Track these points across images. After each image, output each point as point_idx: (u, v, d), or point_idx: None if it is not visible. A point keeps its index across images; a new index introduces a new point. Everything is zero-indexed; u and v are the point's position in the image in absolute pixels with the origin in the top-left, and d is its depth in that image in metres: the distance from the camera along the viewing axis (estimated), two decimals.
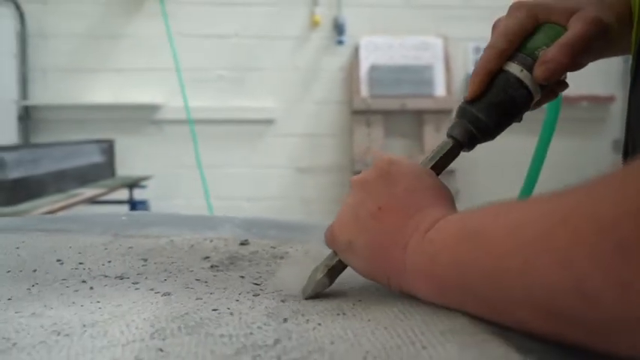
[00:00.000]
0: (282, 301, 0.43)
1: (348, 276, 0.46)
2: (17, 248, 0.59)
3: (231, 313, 0.40)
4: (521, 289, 0.28)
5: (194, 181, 3.25)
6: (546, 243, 0.26)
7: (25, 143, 1.99)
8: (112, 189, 2.21)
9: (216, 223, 0.73)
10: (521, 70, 0.48)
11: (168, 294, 0.45)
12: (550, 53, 0.47)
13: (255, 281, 0.49)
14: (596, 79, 3.43)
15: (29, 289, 0.47)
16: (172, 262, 0.55)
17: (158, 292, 0.45)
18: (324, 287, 0.44)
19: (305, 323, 0.38)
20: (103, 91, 3.27)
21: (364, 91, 3.31)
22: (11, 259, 0.55)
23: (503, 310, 0.31)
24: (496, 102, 0.48)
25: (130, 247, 0.60)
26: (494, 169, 3.35)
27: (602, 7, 0.51)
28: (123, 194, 2.52)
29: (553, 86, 0.52)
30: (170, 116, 3.28)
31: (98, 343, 0.35)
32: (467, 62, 3.45)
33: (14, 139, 3.05)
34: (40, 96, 3.23)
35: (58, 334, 0.36)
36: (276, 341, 0.34)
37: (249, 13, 3.32)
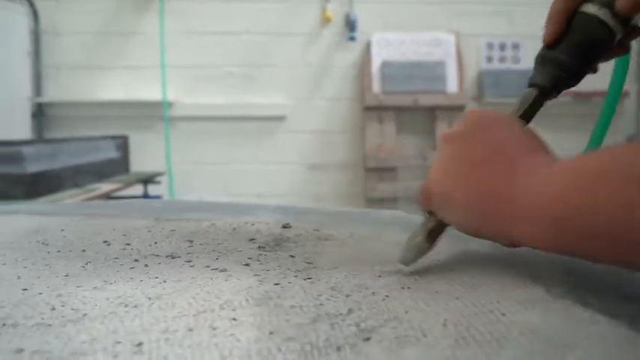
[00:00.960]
0: (346, 275, 0.43)
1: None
2: (62, 230, 0.59)
3: (294, 287, 0.40)
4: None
5: (207, 176, 3.27)
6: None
7: (43, 138, 2.00)
8: (128, 184, 2.22)
9: (252, 209, 0.73)
10: (600, 9, 0.47)
11: (225, 270, 0.45)
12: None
13: (306, 260, 0.49)
14: (609, 75, 3.40)
15: (83, 266, 0.47)
16: (218, 244, 0.55)
17: (215, 269, 0.45)
18: (426, 251, 0.43)
19: (371, 295, 0.37)
20: (114, 88, 3.28)
21: (376, 87, 3.30)
22: (58, 240, 0.55)
23: (633, 250, 0.30)
24: (579, 42, 0.47)
25: (172, 230, 0.60)
26: None
27: None
28: (137, 190, 2.53)
29: (628, 33, 0.50)
30: (181, 113, 3.29)
31: (169, 313, 0.34)
32: (479, 58, 3.44)
33: (28, 136, 3.06)
34: (53, 93, 3.24)
35: (126, 305, 0.36)
36: (350, 310, 0.34)
37: (260, 9, 3.32)
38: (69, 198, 1.76)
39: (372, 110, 3.29)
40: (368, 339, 0.29)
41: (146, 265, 0.47)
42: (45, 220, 0.62)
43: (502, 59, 3.44)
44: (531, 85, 0.49)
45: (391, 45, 3.34)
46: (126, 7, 3.27)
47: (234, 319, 0.33)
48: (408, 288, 0.39)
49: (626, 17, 0.46)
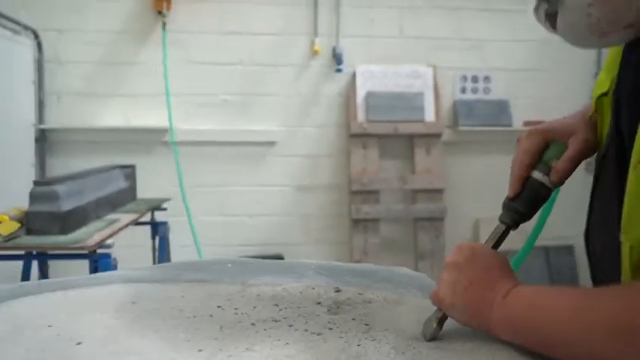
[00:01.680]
0: (396, 336, 0.68)
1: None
2: (182, 297, 0.82)
3: (370, 347, 0.65)
4: (581, 347, 0.55)
5: (204, 197, 3.48)
6: (611, 326, 0.52)
7: (67, 174, 2.19)
8: (142, 213, 2.42)
9: (301, 270, 0.97)
10: (543, 176, 0.73)
11: (320, 334, 0.70)
12: (559, 165, 0.73)
13: (364, 323, 0.74)
14: (567, 107, 3.76)
15: (220, 329, 0.71)
16: (298, 307, 0.80)
17: (313, 333, 0.70)
18: (438, 332, 0.68)
19: (418, 353, 0.63)
20: (114, 115, 3.47)
21: (361, 116, 3.58)
22: (185, 306, 0.79)
23: (558, 353, 0.57)
24: (529, 198, 0.73)
25: (258, 295, 0.85)
26: (476, 190, 3.65)
27: (588, 129, 0.77)
28: (145, 215, 2.73)
29: None
30: (179, 138, 3.49)
31: None
32: (454, 90, 3.75)
33: (32, 160, 3.23)
34: (54, 119, 3.40)
35: None
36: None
37: (254, 42, 3.56)
38: (96, 232, 1.96)
39: (357, 137, 3.56)
40: None
41: (265, 330, 0.71)
42: (160, 288, 0.86)
43: (475, 90, 3.77)
44: (501, 221, 0.75)
45: (375, 77, 3.62)
46: (126, 38, 3.47)
47: None
48: (441, 348, 0.65)
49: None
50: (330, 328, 0.72)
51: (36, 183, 1.94)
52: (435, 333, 0.68)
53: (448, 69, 3.73)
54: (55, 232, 1.86)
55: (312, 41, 3.58)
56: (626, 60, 0.66)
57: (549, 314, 0.58)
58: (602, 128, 0.73)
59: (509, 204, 0.75)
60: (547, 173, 0.73)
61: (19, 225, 1.84)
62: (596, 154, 0.76)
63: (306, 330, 0.71)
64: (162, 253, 2.61)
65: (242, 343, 0.66)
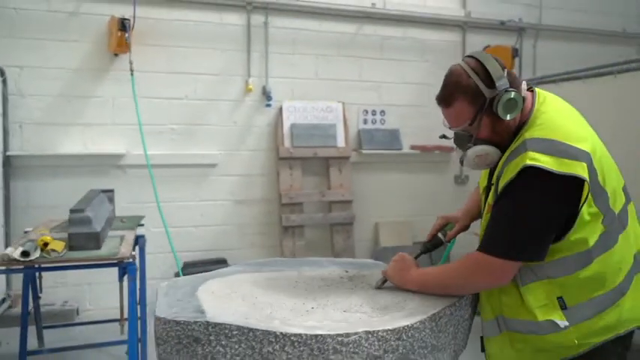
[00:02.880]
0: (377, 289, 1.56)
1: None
2: (276, 278, 1.62)
3: (384, 294, 1.51)
4: (444, 288, 1.44)
5: (153, 214, 4.07)
6: (456, 273, 1.42)
7: (82, 201, 2.73)
8: (134, 228, 3.03)
9: (321, 263, 1.81)
10: (442, 236, 1.66)
11: (352, 289, 1.54)
12: (449, 234, 1.65)
13: (368, 283, 1.60)
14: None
15: (306, 291, 1.52)
16: (332, 280, 1.63)
17: (348, 289, 1.54)
18: (380, 285, 1.53)
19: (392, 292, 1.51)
20: (73, 143, 3.95)
21: (287, 142, 4.41)
22: (281, 282, 1.59)
23: (444, 290, 1.46)
24: (435, 244, 1.66)
25: (310, 276, 1.67)
26: (375, 200, 4.67)
27: (467, 218, 1.68)
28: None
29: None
30: (132, 162, 4.06)
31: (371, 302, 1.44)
32: (358, 121, 4.73)
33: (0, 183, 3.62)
34: (18, 146, 3.80)
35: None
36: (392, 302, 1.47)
37: (198, 80, 4.23)
38: (120, 246, 2.58)
39: (285, 160, 4.39)
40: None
41: (325, 291, 1.54)
42: (279, 274, 1.64)
43: (374, 121, 4.79)
44: (420, 250, 1.65)
45: (297, 111, 4.48)
46: (83, 75, 3.95)
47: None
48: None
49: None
50: (352, 288, 1.57)
51: (72, 211, 2.51)
52: (378, 286, 1.54)
53: (353, 104, 4.70)
54: (92, 247, 2.47)
55: (247, 81, 4.33)
56: (491, 171, 1.56)
57: (430, 274, 1.46)
58: (482, 202, 1.62)
59: (425, 243, 1.66)
60: (444, 235, 1.66)
61: (64, 243, 2.42)
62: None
63: (343, 288, 1.55)
64: (142, 260, 3.21)
65: (322, 299, 1.48)
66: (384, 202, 4.83)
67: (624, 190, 1.38)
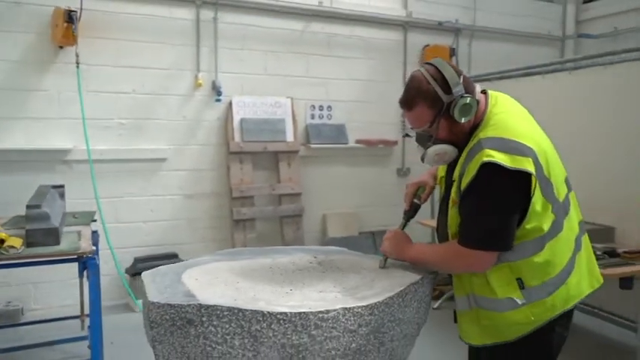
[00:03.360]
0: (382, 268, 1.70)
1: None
2: (253, 265, 1.72)
3: (350, 275, 1.65)
4: (435, 267, 1.62)
5: (103, 208, 4.03)
6: (447, 254, 1.58)
7: (35, 196, 2.68)
8: (88, 224, 3.00)
9: (290, 251, 1.93)
10: (417, 200, 1.81)
11: (324, 272, 1.67)
12: (423, 196, 1.81)
13: (337, 266, 1.74)
14: (386, 129, 5.18)
15: (281, 276, 1.64)
16: (302, 265, 1.76)
17: (320, 272, 1.67)
18: (384, 264, 1.69)
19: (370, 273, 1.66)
20: (18, 137, 3.82)
21: (237, 137, 4.48)
22: (256, 268, 1.69)
23: (434, 267, 1.63)
24: (414, 209, 1.80)
25: (283, 262, 1.78)
26: (322, 192, 4.83)
27: (433, 178, 1.85)
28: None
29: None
30: (78, 157, 3.98)
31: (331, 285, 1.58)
32: (306, 116, 4.87)
33: None
34: None
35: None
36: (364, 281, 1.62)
37: (146, 74, 4.21)
38: (79, 242, 2.58)
39: (235, 154, 4.46)
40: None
41: (299, 276, 1.66)
42: (252, 260, 1.74)
43: (321, 116, 4.94)
44: (403, 219, 1.80)
45: (247, 106, 4.55)
46: (26, 68, 3.83)
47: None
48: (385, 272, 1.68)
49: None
50: (323, 272, 1.70)
51: (28, 207, 2.48)
52: (383, 264, 1.70)
53: (301, 100, 4.82)
54: (51, 243, 2.45)
55: (196, 76, 4.35)
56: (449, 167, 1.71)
57: (425, 252, 1.63)
58: (440, 190, 1.77)
59: (406, 212, 1.80)
60: (419, 199, 1.80)
61: (21, 240, 2.40)
62: (439, 196, 1.84)
63: (315, 272, 1.68)
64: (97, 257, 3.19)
65: (298, 282, 1.61)
66: (332, 195, 5.01)
67: (566, 181, 1.57)
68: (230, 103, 4.50)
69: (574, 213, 1.56)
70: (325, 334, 1.37)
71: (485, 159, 1.38)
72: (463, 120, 1.49)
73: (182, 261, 3.94)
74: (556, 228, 1.46)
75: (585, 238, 1.61)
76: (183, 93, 4.36)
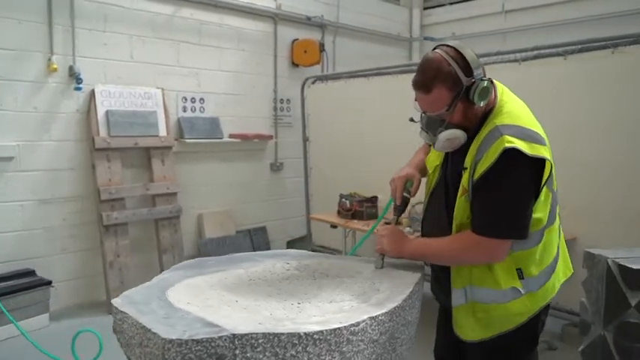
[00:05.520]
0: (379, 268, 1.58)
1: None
2: (226, 277, 1.49)
3: (334, 281, 1.53)
4: (445, 261, 1.56)
5: None
6: (455, 246, 1.52)
7: None
8: None
9: (259, 258, 1.73)
10: (407, 194, 1.72)
11: (288, 278, 1.53)
12: (412, 189, 1.73)
13: (321, 273, 1.60)
14: (260, 123, 5.04)
15: (257, 285, 1.46)
16: (274, 272, 1.58)
17: (288, 278, 1.52)
18: (382, 266, 1.59)
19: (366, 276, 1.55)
20: None
21: (103, 131, 3.92)
22: (228, 280, 1.47)
23: (439, 260, 1.57)
24: (405, 203, 1.71)
25: (254, 271, 1.58)
26: (197, 191, 4.52)
27: (418, 171, 1.78)
28: None
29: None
30: None
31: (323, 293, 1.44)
32: (178, 108, 4.48)
33: None
34: None
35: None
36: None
37: None
38: None
39: (101, 151, 3.90)
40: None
41: (269, 285, 1.49)
42: (221, 274, 1.49)
43: (193, 109, 4.59)
44: (394, 215, 1.71)
45: (112, 96, 4.02)
46: None
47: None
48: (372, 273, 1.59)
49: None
50: (313, 279, 1.56)
51: None
52: (380, 264, 1.60)
53: (172, 91, 4.43)
54: None
55: (49, 59, 3.70)
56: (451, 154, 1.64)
57: (430, 246, 1.56)
58: (432, 179, 1.70)
59: (396, 206, 1.71)
60: (408, 193, 1.72)
61: None
62: (427, 192, 1.76)
63: (304, 280, 1.53)
64: None
65: (298, 293, 1.44)
66: (206, 193, 4.71)
67: None
68: (92, 93, 3.92)
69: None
70: (354, 349, 1.24)
71: (508, 145, 1.36)
72: (482, 104, 1.45)
73: (41, 278, 3.40)
74: (552, 217, 1.52)
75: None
76: (33, 79, 3.67)
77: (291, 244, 5.41)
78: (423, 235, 1.72)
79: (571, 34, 4.39)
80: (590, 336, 2.12)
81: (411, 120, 1.62)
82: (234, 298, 1.34)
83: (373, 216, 3.86)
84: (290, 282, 1.50)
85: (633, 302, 1.92)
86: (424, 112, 1.53)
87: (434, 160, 1.68)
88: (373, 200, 3.90)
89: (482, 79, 1.45)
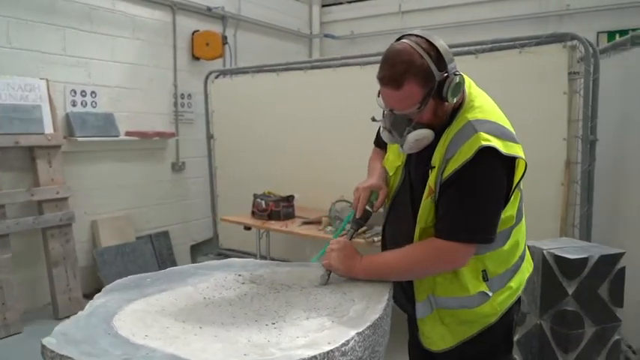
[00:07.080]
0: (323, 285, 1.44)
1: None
2: (176, 299, 1.27)
3: (294, 291, 1.38)
4: (403, 275, 1.43)
5: None
6: (417, 256, 1.40)
7: None
8: None
9: (205, 271, 1.52)
10: (370, 207, 1.56)
11: (249, 291, 1.36)
12: (376, 203, 1.57)
13: (281, 284, 1.44)
14: (158, 120, 4.67)
15: (211, 304, 1.27)
16: (228, 285, 1.40)
17: (245, 292, 1.36)
18: (327, 282, 1.43)
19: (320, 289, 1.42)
20: None
21: None
22: (180, 299, 1.27)
23: (399, 276, 1.44)
24: (366, 218, 1.55)
25: (213, 289, 1.38)
26: (91, 195, 4.07)
27: (383, 182, 1.60)
28: None
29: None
30: None
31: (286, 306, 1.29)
32: (66, 103, 3.98)
33: None
34: None
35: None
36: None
37: None
38: None
39: None
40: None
41: (259, 295, 1.32)
42: (169, 294, 1.26)
43: (84, 104, 4.11)
44: (352, 228, 1.53)
45: None
46: None
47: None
48: (326, 288, 1.45)
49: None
50: (276, 292, 1.39)
51: None
52: (325, 281, 1.44)
53: (59, 83, 3.92)
54: None
55: None
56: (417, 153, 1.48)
57: (383, 261, 1.43)
58: (394, 182, 1.56)
59: (356, 219, 1.55)
60: (371, 207, 1.56)
61: None
62: (388, 196, 1.60)
63: (268, 295, 1.36)
64: None
65: (266, 312, 1.26)
66: (101, 197, 4.25)
67: None
68: None
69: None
70: None
71: (484, 143, 1.27)
72: (454, 100, 1.33)
73: None
74: (519, 215, 1.48)
75: None
76: None
77: (195, 248, 5.11)
78: (384, 245, 1.58)
79: (465, 35, 4.63)
80: (526, 326, 2.19)
81: (373, 120, 1.48)
82: (196, 324, 1.13)
83: (290, 216, 3.73)
84: (252, 298, 1.32)
85: (570, 290, 2.01)
86: (390, 110, 1.37)
87: (393, 160, 1.55)
88: (290, 199, 3.77)
89: (455, 74, 1.33)
